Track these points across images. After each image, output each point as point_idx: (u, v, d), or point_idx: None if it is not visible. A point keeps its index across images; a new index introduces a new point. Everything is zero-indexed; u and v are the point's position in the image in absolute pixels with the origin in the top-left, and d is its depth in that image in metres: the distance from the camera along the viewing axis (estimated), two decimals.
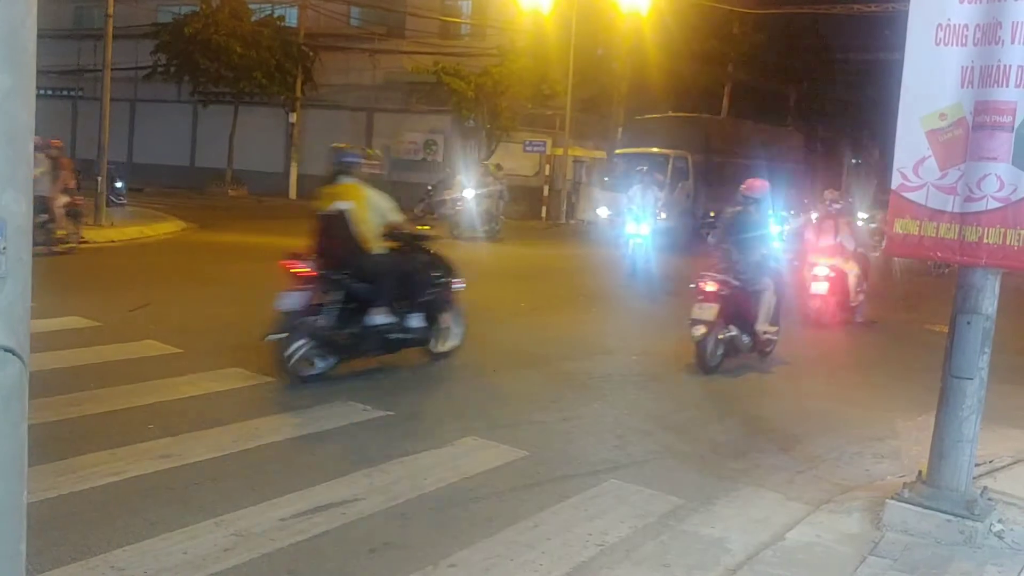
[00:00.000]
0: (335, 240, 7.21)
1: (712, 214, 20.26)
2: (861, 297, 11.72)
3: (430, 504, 4.80)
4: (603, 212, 22.85)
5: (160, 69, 30.82)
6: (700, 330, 8.04)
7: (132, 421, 5.83)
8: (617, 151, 26.42)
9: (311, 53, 32.26)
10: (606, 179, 24.79)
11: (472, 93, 29.77)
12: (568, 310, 12.12)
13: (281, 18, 32.98)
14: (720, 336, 8.25)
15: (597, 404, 7.19)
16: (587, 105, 30.66)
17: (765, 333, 8.68)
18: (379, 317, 7.28)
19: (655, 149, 24.14)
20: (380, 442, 5.78)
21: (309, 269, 7.00)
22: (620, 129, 30.52)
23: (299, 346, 6.88)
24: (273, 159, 33.49)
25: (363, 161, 7.59)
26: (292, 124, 33.03)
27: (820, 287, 11.27)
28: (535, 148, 30.93)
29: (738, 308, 8.34)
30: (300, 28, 32.76)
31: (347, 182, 7.31)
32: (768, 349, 8.88)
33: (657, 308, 12.93)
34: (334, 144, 7.78)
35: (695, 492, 5.22)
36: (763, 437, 6.51)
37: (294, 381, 6.90)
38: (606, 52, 30.25)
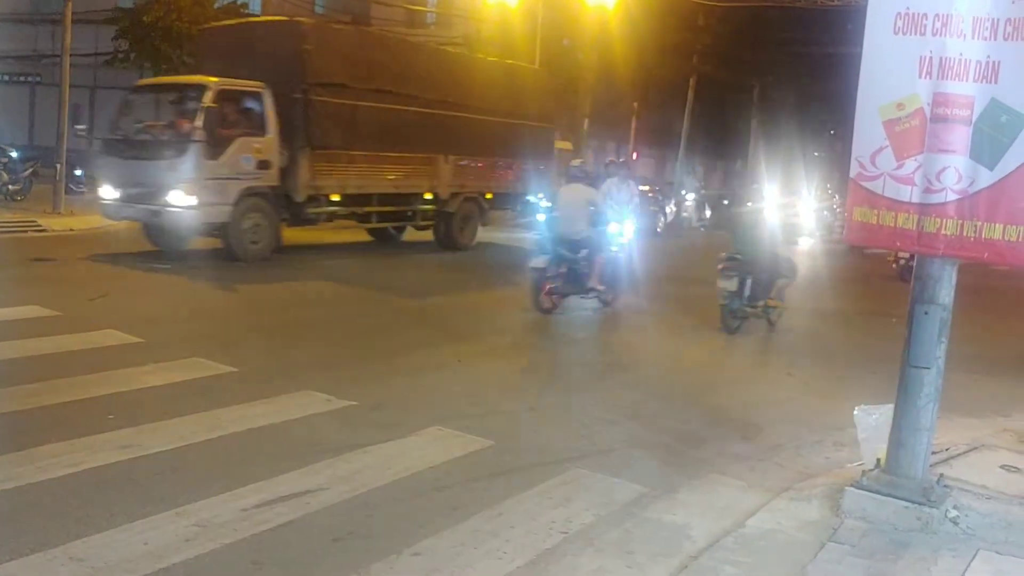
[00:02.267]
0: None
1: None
2: None
3: (394, 493, 4.80)
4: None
5: (120, 56, 30.34)
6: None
7: (92, 411, 5.77)
8: (138, 83, 15.99)
9: None
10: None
11: None
12: None
13: (244, 5, 32.55)
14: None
15: (563, 394, 7.23)
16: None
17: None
18: None
19: (196, 78, 13.78)
20: (344, 432, 5.76)
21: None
22: (586, 120, 30.52)
23: None
24: None
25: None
26: None
27: None
28: None
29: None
30: (264, 16, 32.40)
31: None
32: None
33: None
34: None
35: (658, 480, 5.26)
36: (725, 426, 6.58)
37: None
38: (572, 43, 30.29)
